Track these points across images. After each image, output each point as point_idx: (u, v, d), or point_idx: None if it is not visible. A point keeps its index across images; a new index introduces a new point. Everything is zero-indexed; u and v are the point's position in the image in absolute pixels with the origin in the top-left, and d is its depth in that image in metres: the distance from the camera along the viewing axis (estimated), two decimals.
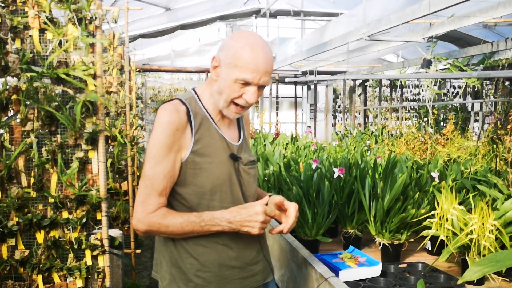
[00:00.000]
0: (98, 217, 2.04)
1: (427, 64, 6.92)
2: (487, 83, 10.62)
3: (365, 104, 12.05)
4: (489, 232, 2.09)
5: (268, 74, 1.54)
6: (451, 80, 12.45)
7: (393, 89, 12.33)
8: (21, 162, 1.98)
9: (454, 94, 12.85)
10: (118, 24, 3.93)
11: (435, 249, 2.59)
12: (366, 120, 12.01)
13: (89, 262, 2.02)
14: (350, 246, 2.53)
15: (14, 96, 1.96)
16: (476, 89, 10.43)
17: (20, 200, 1.95)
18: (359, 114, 12.43)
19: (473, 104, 10.85)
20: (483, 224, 2.11)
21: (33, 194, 1.98)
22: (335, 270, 2.16)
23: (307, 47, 7.51)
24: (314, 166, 2.91)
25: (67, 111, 1.95)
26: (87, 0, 1.94)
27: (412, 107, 12.40)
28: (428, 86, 7.81)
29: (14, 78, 1.97)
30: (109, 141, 3.40)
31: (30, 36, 1.97)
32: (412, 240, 2.60)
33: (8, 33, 1.96)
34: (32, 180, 1.97)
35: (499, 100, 8.75)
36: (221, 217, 1.51)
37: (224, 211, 1.53)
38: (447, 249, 2.17)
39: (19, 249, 1.98)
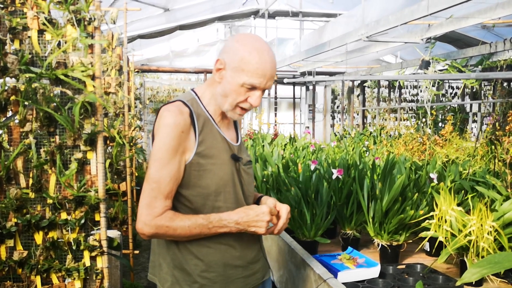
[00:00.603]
0: (97, 218, 2.03)
1: (425, 65, 6.92)
2: (486, 84, 10.63)
3: (364, 105, 12.06)
4: (488, 234, 2.09)
5: (272, 78, 1.57)
6: (450, 81, 12.46)
7: (391, 90, 12.34)
8: (19, 163, 1.97)
9: (453, 95, 12.87)
10: (117, 24, 3.93)
11: (433, 250, 2.59)
12: (365, 121, 12.02)
13: (88, 263, 2.02)
14: (349, 247, 2.53)
15: (12, 97, 1.96)
16: (474, 90, 10.45)
17: (19, 201, 1.94)
18: (358, 115, 12.44)
19: (471, 105, 10.86)
20: (481, 225, 2.11)
21: (32, 195, 1.97)
22: (334, 271, 2.16)
23: (305, 48, 7.52)
24: (312, 167, 2.92)
25: (66, 112, 1.94)
26: (86, 1, 1.94)
27: (410, 108, 12.41)
28: (426, 87, 7.80)
29: (13, 79, 1.97)
30: (108, 142, 3.39)
31: (29, 37, 1.96)
32: (411, 241, 2.60)
33: (7, 34, 1.95)
34: (30, 181, 1.97)
35: (497, 101, 8.76)
36: (228, 219, 1.52)
37: (230, 212, 1.54)
38: (446, 250, 2.17)
39: (17, 250, 1.98)
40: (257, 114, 9.62)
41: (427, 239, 2.35)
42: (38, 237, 1.99)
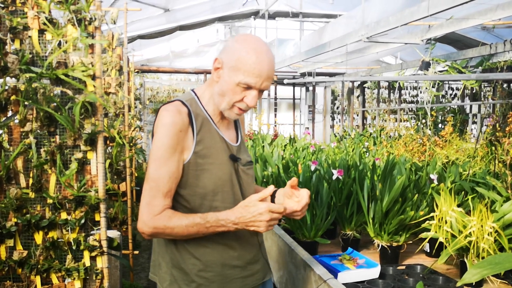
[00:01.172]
0: (97, 218, 2.03)
1: (425, 66, 6.92)
2: (486, 85, 10.63)
3: (364, 106, 12.06)
4: (488, 234, 2.09)
5: (269, 79, 1.55)
6: (450, 82, 12.46)
7: (391, 91, 12.34)
8: (19, 163, 1.97)
9: (453, 96, 12.86)
10: (117, 24, 3.93)
11: (433, 251, 2.59)
12: (365, 122, 12.02)
13: (88, 263, 2.01)
14: (349, 248, 2.53)
15: (13, 97, 1.96)
16: (474, 91, 10.44)
17: (19, 201, 1.94)
18: (357, 115, 12.44)
19: (471, 106, 10.86)
20: (482, 226, 2.11)
21: (32, 195, 1.97)
22: (334, 272, 2.16)
23: (305, 49, 7.52)
24: (312, 167, 2.91)
25: (66, 112, 1.94)
26: (86, 1, 1.94)
27: (410, 109, 12.41)
28: (426, 88, 7.81)
29: (13, 78, 1.96)
30: (108, 142, 3.39)
31: (29, 36, 1.96)
32: (411, 242, 2.60)
33: (7, 34, 1.95)
34: (30, 181, 1.97)
35: (497, 102, 8.76)
36: (226, 219, 1.50)
37: (228, 212, 1.51)
38: (446, 251, 2.17)
39: (17, 250, 1.98)
40: (257, 115, 9.61)
41: (427, 240, 2.35)
42: (38, 237, 1.98)
